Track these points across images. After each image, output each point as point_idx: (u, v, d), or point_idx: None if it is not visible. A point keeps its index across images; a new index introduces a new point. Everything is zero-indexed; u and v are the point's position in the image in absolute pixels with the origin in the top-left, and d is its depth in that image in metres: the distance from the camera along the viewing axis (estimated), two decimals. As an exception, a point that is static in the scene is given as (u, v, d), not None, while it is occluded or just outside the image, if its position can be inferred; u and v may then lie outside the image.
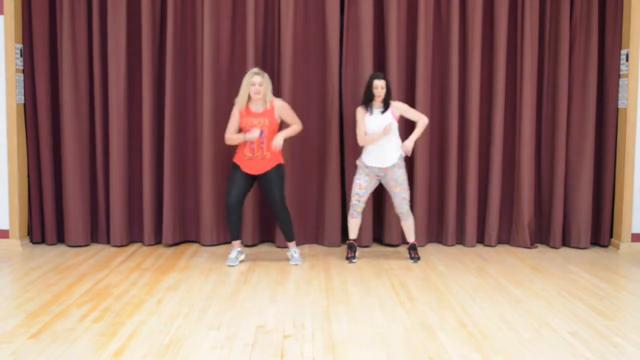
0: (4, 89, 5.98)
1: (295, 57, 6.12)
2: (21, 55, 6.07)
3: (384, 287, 4.91)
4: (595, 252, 6.24)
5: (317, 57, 6.21)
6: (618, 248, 6.24)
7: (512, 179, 6.41)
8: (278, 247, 6.23)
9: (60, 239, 6.31)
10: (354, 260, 5.69)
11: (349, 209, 5.80)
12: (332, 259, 5.80)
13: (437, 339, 3.82)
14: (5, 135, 6.01)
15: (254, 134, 5.35)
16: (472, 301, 4.57)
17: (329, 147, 6.19)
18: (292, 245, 5.70)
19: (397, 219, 6.24)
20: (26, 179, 6.19)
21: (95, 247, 6.19)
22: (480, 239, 6.47)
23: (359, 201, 5.65)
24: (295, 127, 5.57)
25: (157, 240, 6.31)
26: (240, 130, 5.50)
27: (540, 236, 6.52)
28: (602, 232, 6.43)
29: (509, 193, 6.43)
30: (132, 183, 6.29)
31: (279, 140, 5.41)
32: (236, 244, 5.63)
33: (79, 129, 6.13)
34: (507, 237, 6.48)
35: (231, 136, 5.48)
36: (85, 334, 3.86)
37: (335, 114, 6.17)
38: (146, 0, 6.04)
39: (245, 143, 5.43)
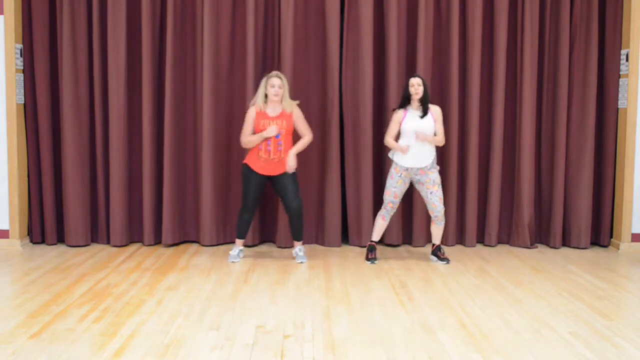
0: (4, 89, 5.98)
1: (295, 57, 6.12)
2: (21, 55, 6.07)
3: (384, 287, 4.91)
4: (595, 252, 6.24)
5: (317, 57, 6.21)
6: (618, 248, 6.24)
7: (512, 179, 6.42)
8: (278, 247, 6.23)
9: (60, 239, 6.31)
10: (375, 262, 5.69)
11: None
12: (332, 259, 5.80)
13: (437, 339, 3.82)
14: (5, 135, 6.01)
15: (272, 131, 5.42)
16: (472, 301, 4.57)
17: (329, 147, 6.19)
18: (298, 244, 5.76)
19: (398, 220, 6.24)
20: (26, 179, 6.19)
21: (95, 247, 6.19)
22: (480, 239, 6.47)
23: (393, 208, 5.66)
24: (305, 139, 5.63)
25: (157, 240, 6.31)
26: (254, 133, 5.55)
27: (540, 236, 6.52)
28: (602, 232, 6.44)
29: (509, 193, 6.43)
30: (132, 183, 6.29)
31: (292, 159, 5.48)
32: (240, 242, 5.72)
33: (79, 128, 6.13)
34: (507, 237, 6.48)
35: (249, 138, 5.54)
36: (85, 334, 3.85)
37: (336, 113, 6.17)
38: (146, 0, 6.04)
39: (260, 144, 5.48)
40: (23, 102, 6.13)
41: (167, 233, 6.19)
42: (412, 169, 5.53)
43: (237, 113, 6.23)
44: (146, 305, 4.41)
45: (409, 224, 6.35)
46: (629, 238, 6.23)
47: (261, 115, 5.51)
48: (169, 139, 6.14)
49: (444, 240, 6.38)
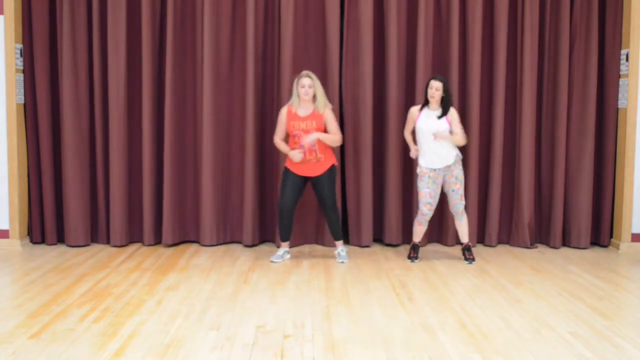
0: (4, 89, 5.98)
1: (295, 57, 6.12)
2: (21, 55, 6.07)
3: (384, 287, 4.91)
4: (595, 252, 6.24)
5: (317, 57, 6.21)
6: (618, 248, 6.24)
7: (512, 179, 6.42)
8: (278, 247, 6.22)
9: (60, 239, 6.30)
10: (416, 260, 5.73)
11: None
12: (332, 259, 5.79)
13: (437, 339, 3.82)
14: (5, 135, 6.01)
15: (295, 157, 5.47)
16: (472, 301, 4.57)
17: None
18: (339, 244, 5.78)
19: (397, 220, 6.25)
20: (26, 179, 6.19)
21: (95, 247, 6.19)
22: (481, 239, 6.47)
23: (430, 210, 5.66)
24: (333, 136, 5.59)
25: (157, 240, 6.31)
26: (286, 133, 5.62)
27: (540, 236, 6.52)
28: (602, 232, 6.43)
29: (509, 193, 6.43)
30: (132, 183, 6.29)
31: (311, 136, 5.46)
32: (285, 244, 5.77)
33: (79, 129, 6.13)
34: (507, 237, 6.48)
35: (280, 144, 5.65)
36: (85, 334, 3.86)
37: (336, 114, 6.15)
38: (146, 0, 6.04)
39: (296, 144, 5.52)
40: (23, 102, 6.13)
41: (167, 233, 6.19)
42: (439, 168, 5.57)
43: (237, 113, 6.24)
44: (146, 305, 4.41)
45: (409, 224, 6.35)
46: (629, 238, 6.22)
47: (292, 116, 5.55)
48: (169, 139, 6.14)
49: (444, 240, 6.38)
